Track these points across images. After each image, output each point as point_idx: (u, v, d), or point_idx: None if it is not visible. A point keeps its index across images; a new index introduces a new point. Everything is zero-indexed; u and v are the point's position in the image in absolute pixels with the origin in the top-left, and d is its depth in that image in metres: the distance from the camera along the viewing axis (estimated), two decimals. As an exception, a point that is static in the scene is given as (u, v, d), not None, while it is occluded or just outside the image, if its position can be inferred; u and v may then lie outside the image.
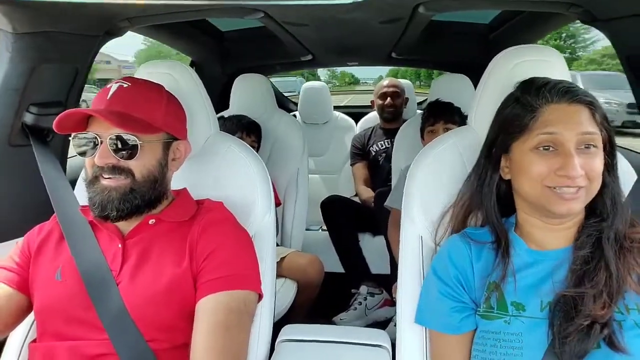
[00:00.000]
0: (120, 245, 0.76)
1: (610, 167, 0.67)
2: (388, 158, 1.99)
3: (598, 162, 0.63)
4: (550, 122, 0.63)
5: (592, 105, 0.64)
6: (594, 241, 0.64)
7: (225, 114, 1.72)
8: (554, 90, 0.65)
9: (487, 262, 0.69)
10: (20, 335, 0.84)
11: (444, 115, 1.47)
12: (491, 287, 0.67)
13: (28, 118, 0.97)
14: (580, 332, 0.58)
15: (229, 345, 0.68)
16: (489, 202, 0.71)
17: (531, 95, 0.66)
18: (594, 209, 0.67)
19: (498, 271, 0.67)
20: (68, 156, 1.13)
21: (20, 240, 0.81)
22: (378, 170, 2.16)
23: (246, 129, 1.62)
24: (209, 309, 0.70)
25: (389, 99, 2.17)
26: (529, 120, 0.65)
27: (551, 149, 0.63)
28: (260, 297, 0.78)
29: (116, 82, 0.76)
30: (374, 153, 2.20)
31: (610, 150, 0.67)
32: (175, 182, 0.86)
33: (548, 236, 0.68)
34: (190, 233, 0.76)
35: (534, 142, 0.64)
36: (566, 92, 0.64)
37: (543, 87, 0.66)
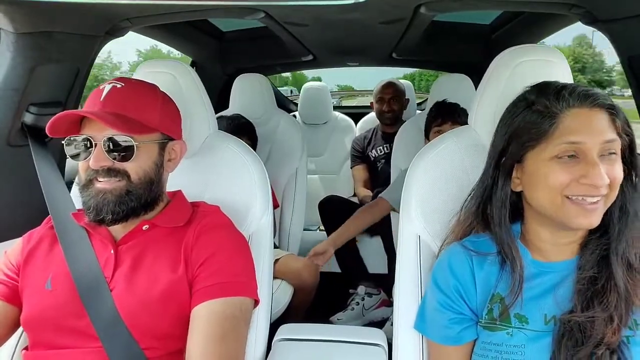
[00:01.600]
0: (112, 251, 0.74)
1: (627, 176, 0.62)
2: (388, 163, 1.97)
3: (619, 169, 0.60)
4: (572, 130, 0.58)
5: (612, 109, 0.60)
6: (599, 258, 0.61)
7: (226, 113, 1.72)
8: (575, 94, 0.60)
9: (489, 273, 0.67)
10: (12, 342, 0.83)
11: (452, 116, 1.46)
12: (495, 299, 0.65)
13: (27, 118, 0.97)
14: (589, 357, 0.56)
15: (224, 353, 0.67)
16: (501, 220, 0.65)
17: (550, 100, 0.61)
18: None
19: (503, 284, 0.65)
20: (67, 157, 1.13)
21: (13, 241, 0.80)
22: (377, 174, 2.15)
23: (237, 131, 1.54)
24: (204, 316, 0.68)
25: (386, 104, 2.15)
26: (548, 127, 0.60)
27: (572, 156, 0.59)
28: (256, 302, 0.77)
29: (109, 83, 0.74)
30: (372, 158, 2.19)
31: (629, 158, 0.62)
32: (173, 181, 0.85)
33: (553, 248, 0.66)
34: (185, 239, 0.75)
35: (554, 151, 0.59)
36: (587, 96, 0.60)
37: (562, 90, 0.61)
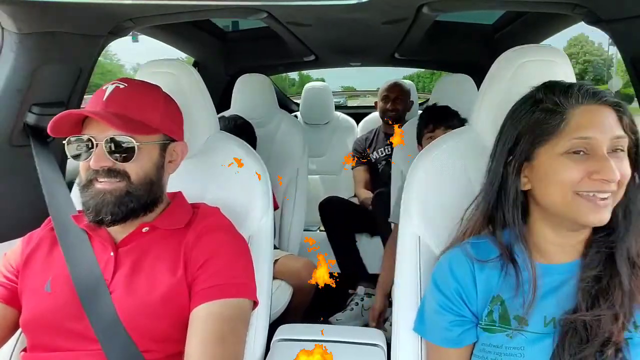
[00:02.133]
0: (112, 254, 0.74)
1: (631, 176, 0.62)
2: (389, 164, 1.96)
3: (627, 166, 0.60)
4: (583, 126, 0.59)
5: (619, 107, 0.61)
6: (604, 257, 0.61)
7: (227, 114, 1.72)
8: (582, 91, 0.61)
9: (490, 275, 0.67)
10: (10, 344, 0.83)
11: (444, 121, 1.42)
12: (495, 301, 0.65)
13: (30, 118, 0.97)
14: (595, 355, 0.56)
15: (223, 355, 0.67)
16: (514, 220, 0.64)
17: (558, 97, 0.62)
18: None
19: (504, 286, 0.65)
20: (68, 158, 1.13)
21: (14, 242, 0.80)
22: (378, 175, 2.15)
23: (235, 132, 1.52)
24: (203, 318, 0.68)
25: (391, 103, 2.15)
26: (559, 122, 0.60)
27: (582, 153, 0.59)
28: (255, 304, 0.76)
29: (112, 84, 0.74)
30: (374, 160, 2.19)
31: (634, 157, 0.62)
32: (175, 181, 0.85)
33: (557, 250, 0.65)
34: (185, 240, 0.75)
35: (565, 146, 0.60)
36: (594, 94, 0.61)
37: (570, 87, 0.62)
